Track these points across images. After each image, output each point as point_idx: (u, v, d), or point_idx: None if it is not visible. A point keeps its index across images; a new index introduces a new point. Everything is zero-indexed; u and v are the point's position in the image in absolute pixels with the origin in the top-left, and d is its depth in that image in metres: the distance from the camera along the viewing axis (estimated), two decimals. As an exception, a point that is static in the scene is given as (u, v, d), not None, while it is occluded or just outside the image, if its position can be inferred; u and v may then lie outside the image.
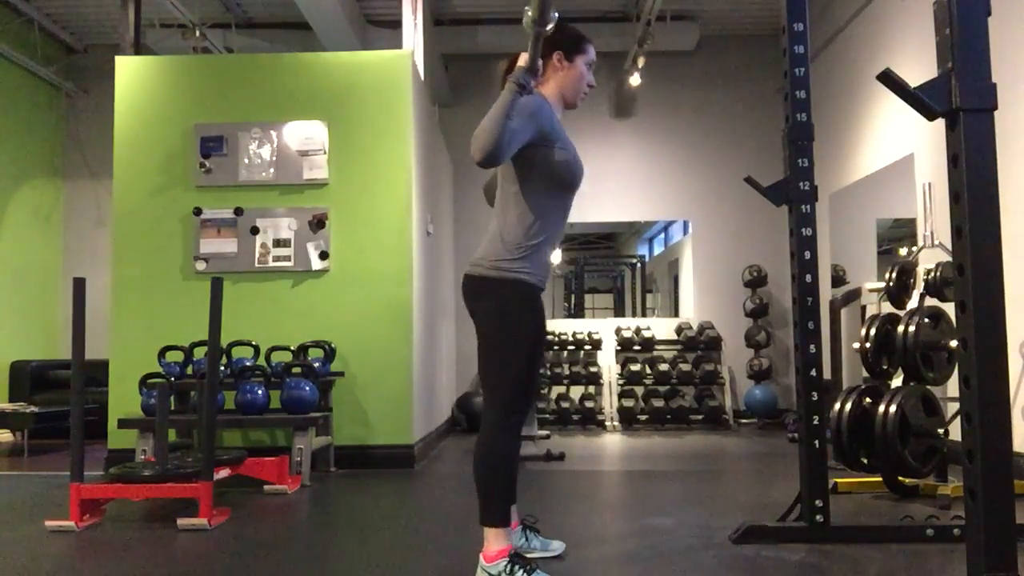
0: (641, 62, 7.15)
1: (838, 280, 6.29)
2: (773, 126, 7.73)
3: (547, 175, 2.33)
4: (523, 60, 2.22)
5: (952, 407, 3.72)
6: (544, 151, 2.30)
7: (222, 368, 4.50)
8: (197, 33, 6.97)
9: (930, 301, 3.96)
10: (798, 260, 2.89)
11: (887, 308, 4.14)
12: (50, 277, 7.76)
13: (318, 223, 4.86)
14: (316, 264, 4.86)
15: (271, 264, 4.87)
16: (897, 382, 3.79)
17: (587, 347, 7.65)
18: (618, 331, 7.78)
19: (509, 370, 2.29)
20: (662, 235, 10.21)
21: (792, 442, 5.88)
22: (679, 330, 7.79)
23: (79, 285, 3.21)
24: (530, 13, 2.06)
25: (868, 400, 3.60)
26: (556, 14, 2.09)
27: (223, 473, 3.62)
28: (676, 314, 8.70)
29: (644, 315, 9.82)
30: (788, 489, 3.32)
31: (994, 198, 1.75)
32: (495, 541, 2.23)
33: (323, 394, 4.60)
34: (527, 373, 2.30)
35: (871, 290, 4.95)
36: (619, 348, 7.71)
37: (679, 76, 8.12)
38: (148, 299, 4.87)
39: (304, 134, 4.92)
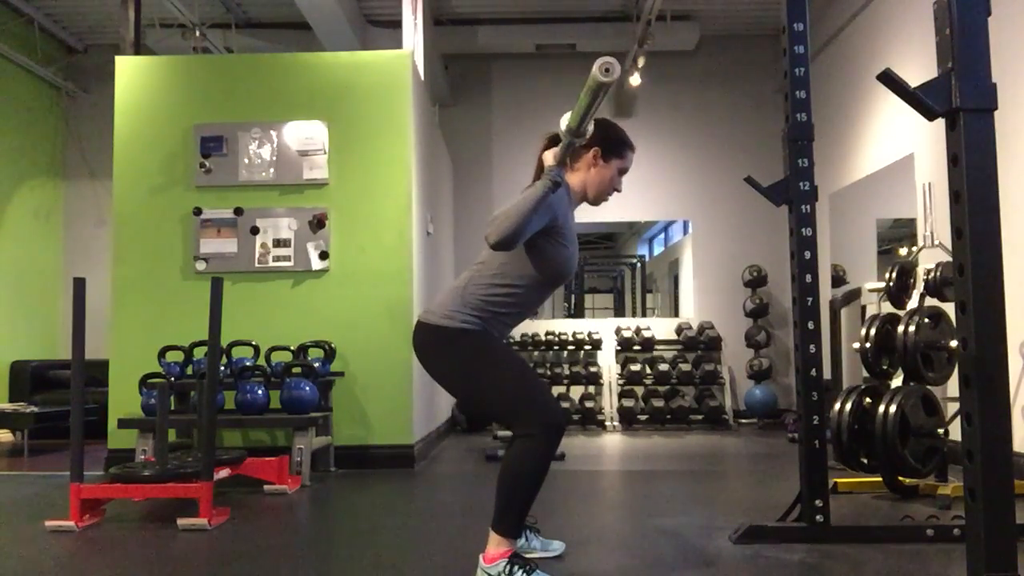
0: (641, 62, 7.15)
1: (838, 280, 6.29)
2: (773, 126, 7.73)
3: (539, 263, 2.30)
4: (551, 156, 2.21)
5: (952, 407, 3.72)
6: (545, 241, 2.28)
7: (222, 368, 4.49)
8: (197, 33, 6.97)
9: (930, 301, 3.96)
10: (798, 260, 2.89)
11: (887, 308, 4.14)
12: (50, 277, 7.76)
13: (318, 223, 4.86)
14: (316, 264, 4.86)
15: (271, 264, 4.87)
16: (897, 382, 3.79)
17: (587, 347, 7.65)
18: (618, 331, 7.78)
19: (502, 399, 2.26)
20: (662, 235, 10.21)
21: (792, 442, 5.87)
22: (679, 330, 7.79)
23: (79, 285, 3.21)
24: (568, 121, 2.08)
25: (868, 400, 3.60)
26: (592, 128, 2.11)
27: (223, 473, 3.62)
28: (676, 314, 8.70)
29: (644, 315, 9.82)
30: (788, 489, 3.32)
31: (994, 198, 1.75)
32: (497, 545, 2.23)
33: (323, 394, 4.60)
34: (521, 389, 2.26)
35: (871, 290, 4.95)
36: (619, 348, 7.71)
37: (679, 76, 8.12)
38: (148, 299, 4.87)
39: (304, 134, 4.92)
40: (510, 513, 2.23)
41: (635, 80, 7.38)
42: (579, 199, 2.46)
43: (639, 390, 7.50)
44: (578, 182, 2.43)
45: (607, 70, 1.82)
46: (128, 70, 5.03)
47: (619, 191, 2.48)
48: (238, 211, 4.88)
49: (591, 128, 2.10)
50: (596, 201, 2.47)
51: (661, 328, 7.90)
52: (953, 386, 3.36)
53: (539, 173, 2.36)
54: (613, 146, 2.42)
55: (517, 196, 2.15)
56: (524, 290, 2.32)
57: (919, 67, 5.25)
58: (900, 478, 3.65)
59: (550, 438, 2.21)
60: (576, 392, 7.53)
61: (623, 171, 2.45)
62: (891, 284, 4.12)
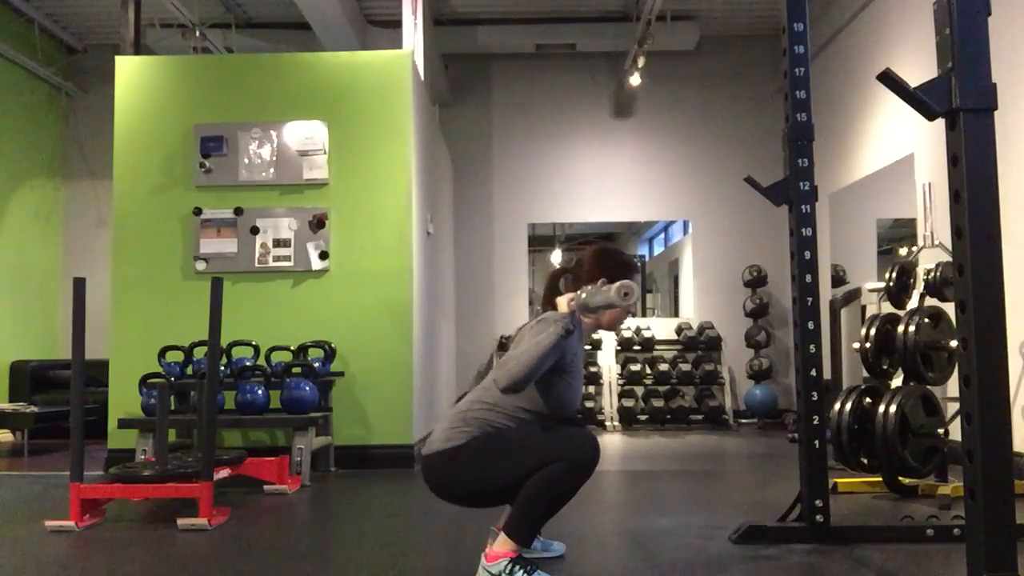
0: (641, 62, 7.15)
1: (838, 280, 6.29)
2: (773, 126, 7.73)
3: (544, 396, 2.30)
4: (565, 304, 2.25)
5: (952, 407, 3.72)
6: (552, 377, 2.27)
7: (222, 368, 4.49)
8: (197, 33, 6.97)
9: (930, 301, 3.96)
10: (798, 260, 2.89)
11: (887, 308, 4.14)
12: (50, 277, 7.76)
13: (318, 223, 4.86)
14: (316, 264, 4.86)
15: (271, 264, 4.87)
16: (897, 382, 3.79)
17: (587, 347, 7.65)
18: (618, 331, 7.78)
19: (533, 463, 2.19)
20: (662, 235, 10.21)
21: (792, 442, 5.87)
22: (679, 330, 7.79)
23: (79, 285, 3.21)
24: (585, 299, 2.18)
25: (868, 400, 3.60)
26: (600, 305, 2.19)
27: (223, 473, 3.62)
28: (676, 314, 8.70)
29: (644, 315, 9.82)
30: (788, 489, 3.32)
31: (994, 198, 1.75)
32: (503, 545, 2.23)
33: (323, 394, 4.60)
34: (541, 446, 2.20)
35: (871, 290, 4.95)
36: (619, 348, 7.71)
37: (679, 76, 8.12)
38: (148, 299, 4.87)
39: (304, 134, 4.92)
40: (527, 523, 2.23)
41: (635, 80, 7.38)
42: (591, 330, 2.49)
43: (639, 390, 7.50)
44: (590, 317, 2.42)
45: (626, 295, 2.04)
46: (128, 70, 5.03)
47: (632, 312, 2.53)
48: (238, 211, 4.88)
49: (599, 308, 2.20)
50: (611, 328, 2.53)
51: (661, 328, 7.90)
52: (953, 386, 3.35)
53: (548, 301, 2.40)
54: (618, 275, 2.35)
55: (528, 335, 2.19)
56: (524, 423, 2.31)
57: (919, 67, 5.25)
58: (900, 478, 3.65)
59: (584, 468, 2.20)
60: (576, 392, 7.51)
61: (629, 294, 2.44)
62: (891, 284, 4.12)
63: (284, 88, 4.99)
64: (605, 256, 2.44)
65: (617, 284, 2.02)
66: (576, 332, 2.32)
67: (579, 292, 2.24)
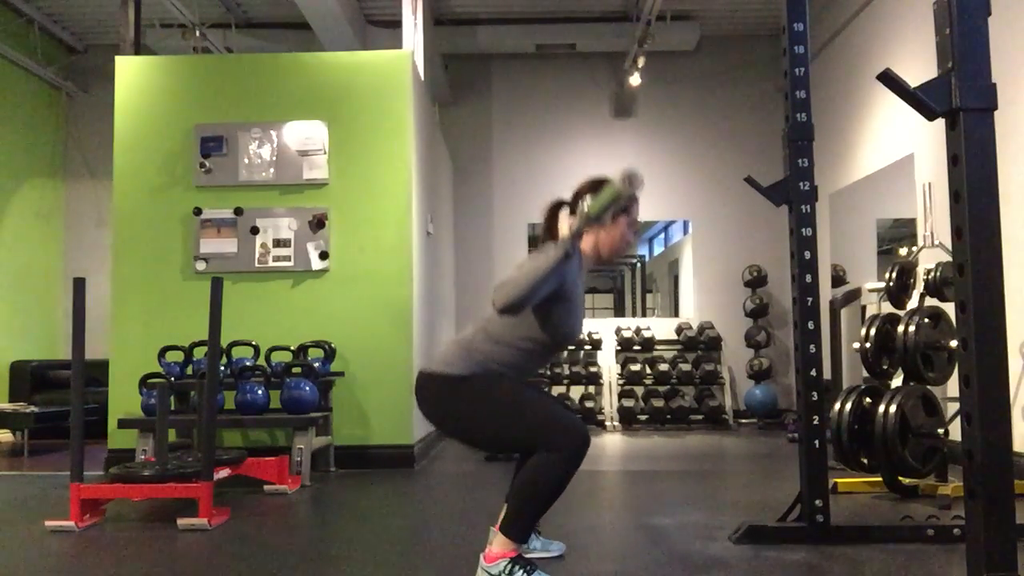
0: (641, 62, 7.15)
1: (838, 280, 6.29)
2: (773, 126, 7.73)
3: (544, 324, 2.30)
4: (566, 224, 2.22)
5: (952, 407, 3.72)
6: (552, 304, 2.26)
7: (222, 368, 4.49)
8: (197, 33, 6.97)
9: (930, 301, 3.96)
10: (798, 260, 2.89)
11: (887, 308, 4.14)
12: (50, 277, 7.76)
13: (318, 223, 4.86)
14: (316, 264, 4.86)
15: (271, 264, 4.87)
16: (897, 382, 3.79)
17: (587, 347, 7.65)
18: (618, 331, 7.78)
19: (524, 430, 2.22)
20: (662, 235, 10.21)
21: (792, 442, 5.87)
22: (679, 330, 7.79)
23: (79, 285, 3.21)
24: (588, 208, 2.13)
25: (868, 400, 3.60)
26: (611, 214, 2.16)
27: (223, 473, 3.62)
28: (676, 314, 8.69)
29: (644, 315, 9.82)
30: (788, 489, 3.32)
31: (994, 198, 1.75)
32: (502, 546, 2.23)
33: (323, 394, 4.60)
34: (539, 416, 2.23)
35: (871, 290, 4.95)
36: (619, 348, 7.71)
37: (679, 76, 8.12)
38: (148, 299, 4.87)
39: (304, 134, 4.92)
40: (521, 520, 2.23)
41: (635, 80, 7.38)
42: (591, 261, 2.46)
43: (639, 390, 7.50)
44: (589, 245, 2.42)
45: (630, 182, 1.96)
46: (128, 70, 5.03)
47: (632, 245, 2.50)
48: (238, 211, 4.88)
49: (609, 219, 2.18)
50: (611, 259, 2.48)
51: (661, 328, 7.90)
52: (953, 386, 3.36)
53: (549, 232, 2.38)
54: None
55: (528, 263, 2.16)
56: (528, 353, 2.31)
57: (919, 67, 5.25)
58: (900, 478, 3.65)
59: (576, 451, 2.20)
60: (576, 392, 7.53)
61: (632, 224, 2.45)
62: (891, 284, 4.12)
63: (284, 88, 4.99)
64: (603, 183, 2.36)
65: (623, 172, 1.92)
66: (576, 259, 2.30)
67: (580, 205, 2.19)
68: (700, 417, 7.33)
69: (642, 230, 10.40)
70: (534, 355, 2.34)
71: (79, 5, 7.39)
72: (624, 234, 2.43)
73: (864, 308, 5.10)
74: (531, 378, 2.42)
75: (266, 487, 3.96)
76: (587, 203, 2.15)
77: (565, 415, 2.28)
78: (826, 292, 6.00)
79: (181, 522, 3.14)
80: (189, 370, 4.59)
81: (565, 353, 7.69)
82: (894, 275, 4.12)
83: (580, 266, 2.38)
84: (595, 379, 7.49)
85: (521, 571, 2.19)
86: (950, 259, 3.69)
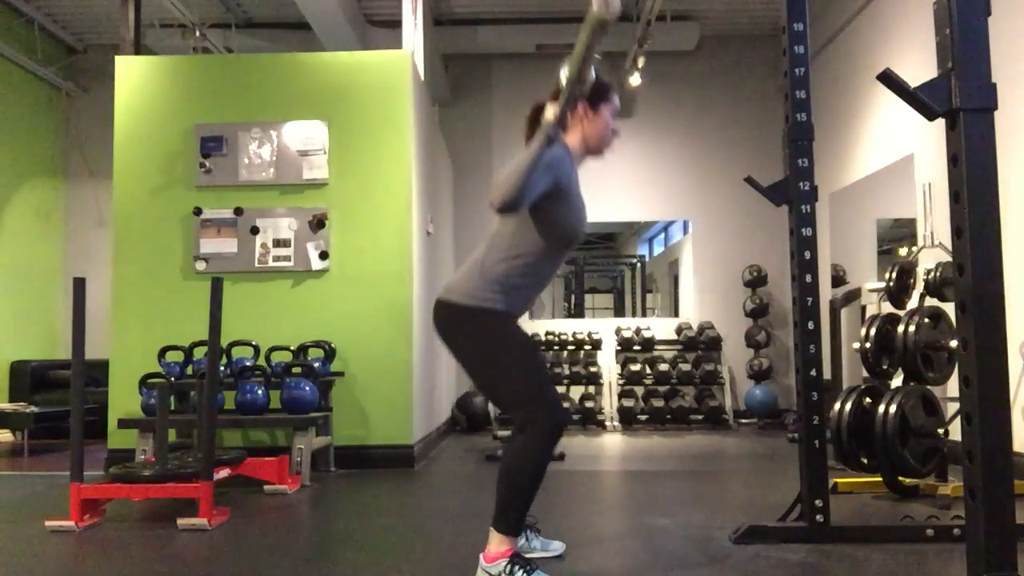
0: (641, 62, 7.14)
1: (838, 280, 6.29)
2: (773, 126, 7.73)
3: (548, 226, 2.31)
4: (550, 111, 2.17)
5: (952, 407, 3.72)
6: (552, 203, 2.27)
7: (222, 368, 4.49)
8: (197, 33, 6.97)
9: (930, 301, 3.96)
10: (798, 260, 2.89)
11: (887, 308, 4.14)
12: (50, 277, 7.76)
13: (318, 223, 4.86)
14: (316, 264, 4.86)
15: (271, 264, 4.87)
16: (897, 382, 3.79)
17: (587, 347, 7.64)
18: (618, 331, 7.78)
19: (512, 387, 2.27)
20: (662, 235, 10.21)
21: (792, 442, 5.87)
22: (679, 330, 7.79)
23: (79, 285, 3.21)
24: (567, 72, 2.03)
25: (868, 400, 3.60)
26: (595, 75, 2.05)
27: (223, 473, 3.62)
28: (676, 314, 8.70)
29: (644, 315, 9.83)
30: (788, 489, 3.32)
31: (994, 198, 1.75)
32: (498, 544, 2.23)
33: (323, 394, 4.60)
34: (532, 380, 2.27)
35: (871, 290, 4.95)
36: (619, 348, 7.71)
37: (679, 76, 8.12)
38: (148, 299, 4.87)
39: (304, 134, 4.92)
40: (510, 511, 2.24)
41: (635, 80, 7.37)
42: (582, 156, 2.46)
43: (639, 390, 7.50)
44: (577, 139, 2.43)
45: (606, 2, 1.74)
46: (128, 70, 5.03)
47: (618, 134, 2.48)
48: (238, 211, 4.88)
49: (593, 75, 2.06)
50: (600, 151, 2.47)
51: (661, 328, 7.90)
52: (953, 386, 3.35)
53: (532, 128, 2.36)
54: (597, 94, 2.41)
55: (515, 159, 2.14)
56: (539, 258, 2.33)
57: (919, 67, 5.25)
58: (900, 478, 3.65)
59: (551, 434, 2.23)
60: (576, 392, 7.53)
61: (615, 113, 2.46)
62: (891, 284, 4.12)
63: (284, 88, 4.99)
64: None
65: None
66: (566, 154, 2.30)
67: (558, 78, 2.12)
68: (700, 417, 7.33)
69: (642, 229, 10.41)
70: (544, 261, 2.34)
71: (79, 5, 7.39)
72: (608, 123, 2.43)
73: (864, 308, 5.10)
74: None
75: (266, 487, 3.96)
76: (563, 71, 2.05)
77: (555, 395, 2.31)
78: (826, 292, 6.00)
79: (181, 522, 3.14)
80: (189, 370, 4.59)
81: (565, 353, 7.70)
82: (894, 275, 4.12)
83: (572, 161, 2.38)
84: (595, 379, 7.49)
85: (521, 571, 2.19)
86: (950, 259, 3.69)
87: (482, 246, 2.40)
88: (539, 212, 2.28)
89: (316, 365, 4.53)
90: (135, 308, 4.86)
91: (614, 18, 1.75)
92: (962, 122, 1.75)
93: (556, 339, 7.62)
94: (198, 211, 4.87)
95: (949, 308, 3.15)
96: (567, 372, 7.48)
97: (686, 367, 7.46)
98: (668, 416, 7.27)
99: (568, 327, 7.83)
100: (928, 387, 3.60)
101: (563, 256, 2.42)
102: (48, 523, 3.17)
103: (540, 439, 2.21)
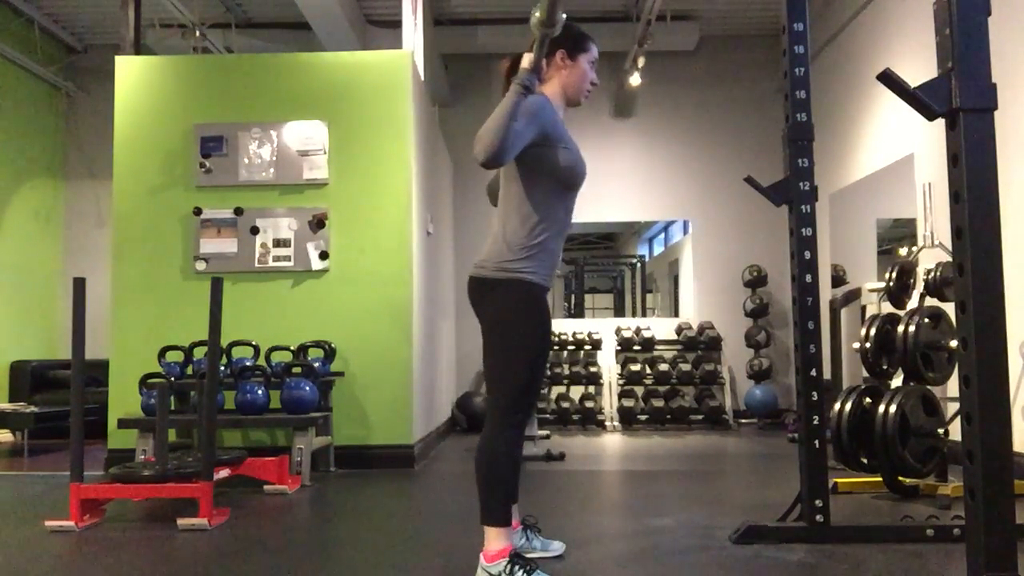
0: (641, 62, 7.15)
1: (838, 280, 6.29)
2: (773, 126, 7.73)
3: (549, 174, 2.33)
4: (527, 60, 2.20)
5: (952, 407, 3.72)
6: (546, 151, 2.30)
7: (222, 368, 4.49)
8: (197, 33, 6.97)
9: (930, 301, 3.96)
10: (798, 260, 2.89)
11: (887, 308, 4.14)
12: (50, 277, 7.76)
13: (318, 223, 4.86)
14: (316, 264, 4.86)
15: (271, 264, 4.87)
16: (897, 382, 3.79)
17: (587, 347, 7.65)
18: (618, 331, 7.78)
19: (513, 372, 2.29)
20: (662, 235, 10.21)
21: (792, 442, 5.87)
22: (679, 330, 7.79)
23: (79, 285, 3.21)
24: (537, 14, 2.04)
25: (868, 400, 3.60)
26: (564, 15, 2.07)
27: (223, 473, 3.62)
28: (676, 314, 8.70)
29: (644, 315, 9.82)
30: (788, 489, 3.32)
31: (994, 198, 1.75)
32: (495, 541, 2.23)
33: (323, 394, 4.60)
34: (530, 376, 2.30)
35: (871, 290, 4.95)
36: (619, 348, 7.71)
37: (679, 76, 8.12)
38: (148, 299, 4.87)
39: (304, 134, 4.92)
40: (492, 501, 2.26)
41: (635, 80, 7.38)
42: (561, 105, 2.47)
43: (639, 390, 7.50)
44: (555, 89, 2.45)
45: None
46: (128, 70, 5.03)
47: (596, 83, 2.51)
48: (238, 211, 4.88)
49: (563, 16, 2.06)
50: (578, 100, 2.48)
51: (661, 328, 7.90)
52: (953, 386, 3.35)
53: (508, 82, 2.35)
54: (575, 42, 2.44)
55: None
56: (551, 208, 2.35)
57: (919, 67, 5.25)
58: (900, 478, 3.65)
59: (513, 423, 2.27)
60: (576, 392, 7.53)
61: (593, 63, 2.48)
62: (891, 284, 4.12)
63: (284, 88, 4.99)
64: (563, 26, 2.24)
65: None
66: (547, 101, 2.32)
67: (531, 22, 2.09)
68: (700, 417, 7.33)
69: (642, 229, 10.41)
70: (556, 210, 2.36)
71: (79, 5, 7.39)
72: (586, 71, 2.46)
73: (864, 308, 5.09)
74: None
75: (266, 487, 3.96)
76: (535, 16, 2.04)
77: (534, 398, 2.35)
78: (826, 292, 6.00)
79: (181, 522, 3.14)
80: (189, 370, 4.59)
81: (565, 353, 7.69)
82: (894, 275, 4.12)
83: (555, 109, 2.39)
84: (595, 379, 7.49)
85: (521, 571, 2.19)
86: (950, 259, 3.69)
87: (495, 219, 2.41)
88: (538, 163, 2.30)
89: (316, 365, 4.53)
90: (135, 308, 4.86)
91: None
92: (962, 122, 1.75)
93: (556, 339, 7.62)
94: (198, 211, 4.87)
95: (949, 308, 3.15)
96: (567, 372, 7.48)
97: (686, 367, 7.46)
98: (668, 416, 7.28)
99: (568, 327, 7.84)
100: (928, 387, 3.60)
101: (572, 200, 2.43)
102: (48, 523, 3.17)
103: (502, 427, 2.26)
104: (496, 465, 2.26)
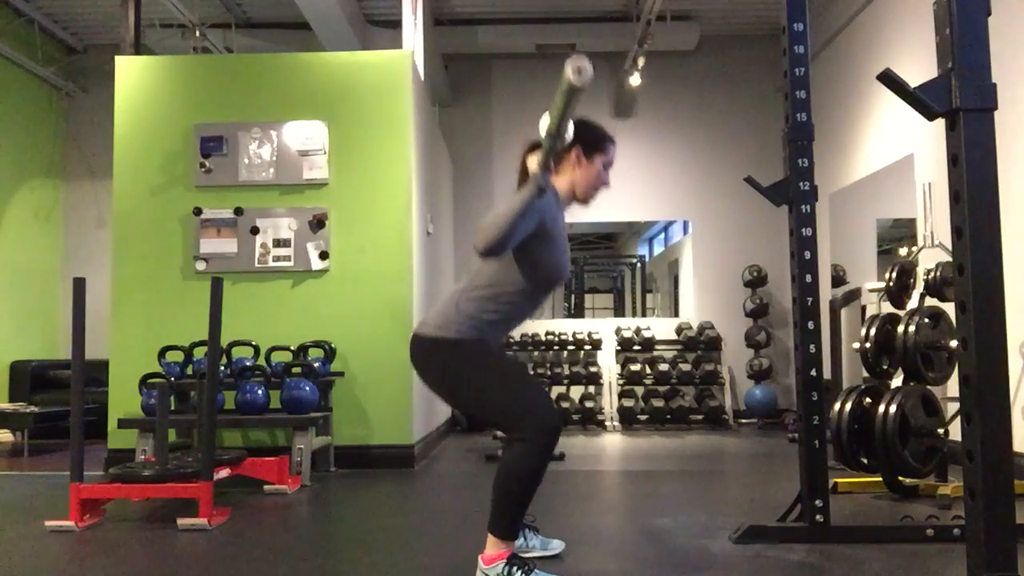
0: (641, 62, 7.15)
1: (838, 280, 6.29)
2: (773, 126, 7.73)
3: (531, 269, 2.29)
4: (534, 161, 2.16)
5: (952, 407, 3.72)
6: (535, 245, 2.25)
7: (222, 368, 4.49)
8: (197, 33, 6.97)
9: (930, 301, 3.96)
10: (798, 260, 2.89)
11: (887, 308, 4.14)
12: (50, 277, 7.76)
13: (318, 223, 4.86)
14: (316, 264, 4.86)
15: (271, 264, 4.87)
16: (897, 382, 3.79)
17: (587, 347, 7.65)
18: (618, 331, 7.78)
19: (494, 407, 2.26)
20: (662, 235, 10.21)
21: (792, 442, 5.87)
22: (679, 330, 7.79)
23: (79, 285, 3.21)
24: (547, 124, 2.01)
25: (868, 400, 3.60)
26: (572, 131, 2.04)
27: (223, 473, 3.62)
28: (676, 314, 8.70)
29: (644, 315, 9.82)
30: (788, 489, 3.32)
31: (994, 198, 1.75)
32: (496, 547, 2.23)
33: (323, 394, 4.60)
34: (513, 396, 2.25)
35: (871, 290, 4.95)
36: (619, 348, 7.70)
37: (679, 76, 8.12)
38: (148, 299, 4.87)
39: (304, 134, 4.92)
40: (506, 515, 2.23)
41: (635, 80, 7.38)
42: (568, 200, 2.44)
43: (639, 390, 7.50)
44: (565, 184, 2.41)
45: (579, 71, 1.75)
46: (128, 70, 5.03)
47: (608, 186, 2.45)
48: (238, 211, 4.88)
49: (571, 128, 2.05)
50: (586, 200, 2.44)
51: (661, 328, 7.90)
52: (953, 386, 3.35)
53: (523, 178, 2.36)
54: (593, 143, 2.40)
55: (502, 204, 2.12)
56: (517, 298, 2.31)
57: (919, 67, 5.25)
58: (900, 478, 3.65)
59: (546, 441, 2.20)
60: (576, 392, 7.53)
61: (608, 165, 2.43)
62: (891, 284, 4.12)
63: (284, 88, 4.99)
64: (581, 124, 2.29)
65: (568, 63, 1.78)
66: (553, 195, 2.30)
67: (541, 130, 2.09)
68: (700, 417, 7.33)
69: (642, 229, 10.41)
70: (523, 302, 2.33)
71: (79, 5, 7.38)
72: (600, 173, 2.41)
73: (864, 308, 5.09)
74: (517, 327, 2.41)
75: (266, 487, 3.96)
76: (544, 123, 2.03)
77: (543, 401, 2.28)
78: (826, 292, 6.00)
79: (181, 522, 3.14)
80: (189, 370, 4.59)
81: (565, 353, 7.70)
82: (894, 275, 4.12)
83: (558, 203, 2.37)
84: (595, 379, 7.49)
85: (519, 571, 2.19)
86: (950, 259, 3.69)
87: (459, 284, 2.39)
88: (522, 253, 2.25)
89: (316, 365, 4.53)
90: (135, 308, 4.86)
91: (586, 86, 1.77)
92: (962, 122, 1.75)
93: (556, 339, 7.62)
94: (198, 211, 4.87)
95: (949, 308, 3.15)
96: (567, 372, 7.48)
97: (686, 367, 7.46)
98: (668, 416, 7.27)
99: (568, 327, 7.84)
100: (928, 387, 3.60)
101: (544, 297, 2.39)
102: (48, 523, 3.17)
103: (535, 448, 2.19)
104: (516, 481, 2.20)
